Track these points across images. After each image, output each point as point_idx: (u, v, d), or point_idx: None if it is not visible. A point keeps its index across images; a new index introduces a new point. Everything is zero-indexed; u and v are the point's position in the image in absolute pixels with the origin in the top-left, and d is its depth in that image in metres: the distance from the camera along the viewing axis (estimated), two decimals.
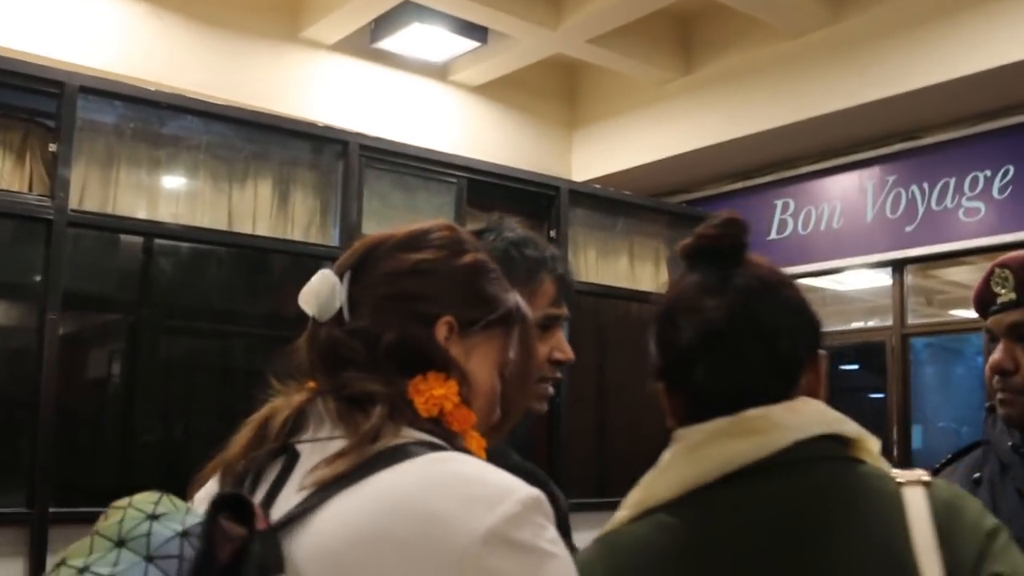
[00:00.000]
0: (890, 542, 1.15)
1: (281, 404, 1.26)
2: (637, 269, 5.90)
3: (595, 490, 5.43)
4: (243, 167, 4.79)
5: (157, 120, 4.61)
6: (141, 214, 4.47)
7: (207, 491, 1.25)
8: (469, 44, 7.93)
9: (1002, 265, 1.88)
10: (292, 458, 1.19)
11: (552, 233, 5.83)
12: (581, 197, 5.78)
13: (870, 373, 8.59)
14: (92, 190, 4.42)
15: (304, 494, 1.13)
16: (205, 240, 4.65)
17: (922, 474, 1.23)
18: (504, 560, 1.02)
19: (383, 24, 7.78)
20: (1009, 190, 7.19)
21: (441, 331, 1.29)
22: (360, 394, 1.22)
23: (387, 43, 7.95)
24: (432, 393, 1.23)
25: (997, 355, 1.86)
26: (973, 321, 7.67)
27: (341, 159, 4.84)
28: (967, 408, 8.09)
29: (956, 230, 7.48)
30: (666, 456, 1.27)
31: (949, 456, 2.02)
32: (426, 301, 1.29)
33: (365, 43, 7.99)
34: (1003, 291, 1.83)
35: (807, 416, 1.23)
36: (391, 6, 7.39)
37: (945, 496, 1.20)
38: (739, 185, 9.03)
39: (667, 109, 8.61)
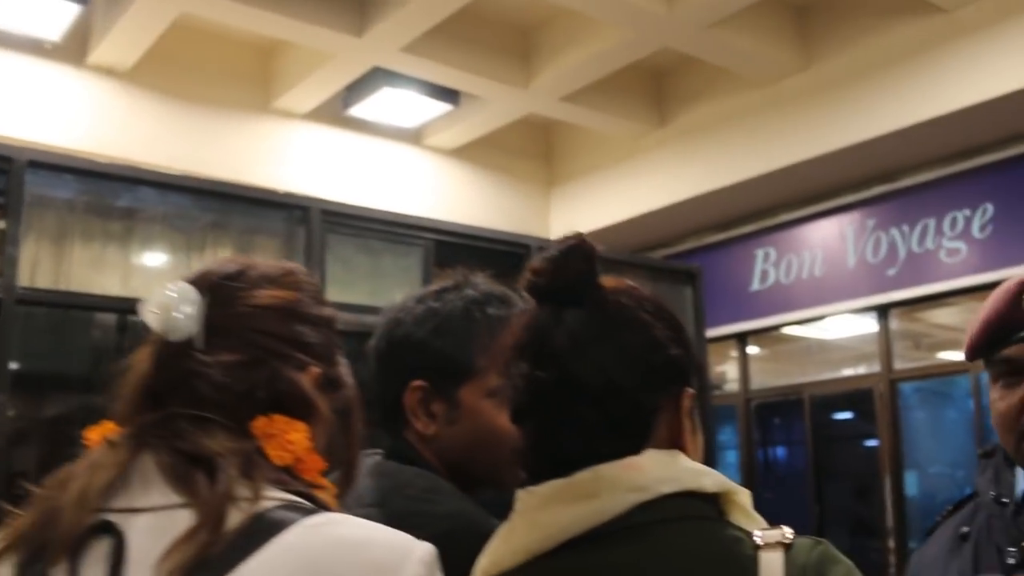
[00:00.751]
0: None
1: (98, 458, 1.07)
2: None
3: None
4: (201, 237, 4.64)
5: (111, 193, 4.47)
6: (96, 289, 4.31)
7: None
8: (441, 107, 7.89)
9: None
10: (118, 539, 1.00)
11: (523, 292, 5.71)
12: None
13: (860, 421, 8.46)
14: (44, 267, 4.27)
15: None
16: None
17: (785, 534, 1.06)
18: None
19: (354, 91, 7.74)
20: (989, 228, 7.13)
21: (309, 381, 1.16)
22: (203, 447, 1.05)
23: (359, 110, 7.90)
24: (286, 438, 1.09)
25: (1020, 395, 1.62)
26: (961, 364, 7.60)
27: (302, 225, 4.69)
28: (960, 452, 7.93)
29: (938, 271, 7.40)
30: (509, 521, 1.15)
31: (949, 508, 1.82)
32: (303, 347, 1.16)
33: (338, 110, 7.94)
34: None
35: (650, 474, 1.09)
36: (361, 73, 7.34)
37: (803, 562, 1.04)
38: (719, 237, 8.96)
39: (643, 163, 8.56)
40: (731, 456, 9.10)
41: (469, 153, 8.69)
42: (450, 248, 5.11)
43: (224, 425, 1.07)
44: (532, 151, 9.20)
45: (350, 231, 4.80)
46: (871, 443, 8.18)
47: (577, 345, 1.14)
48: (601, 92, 7.86)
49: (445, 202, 8.10)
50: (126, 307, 4.36)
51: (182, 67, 7.32)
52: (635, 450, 1.12)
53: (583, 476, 1.09)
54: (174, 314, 1.10)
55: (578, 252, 1.16)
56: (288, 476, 1.08)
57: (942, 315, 8.17)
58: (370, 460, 1.58)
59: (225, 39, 7.54)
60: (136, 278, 4.52)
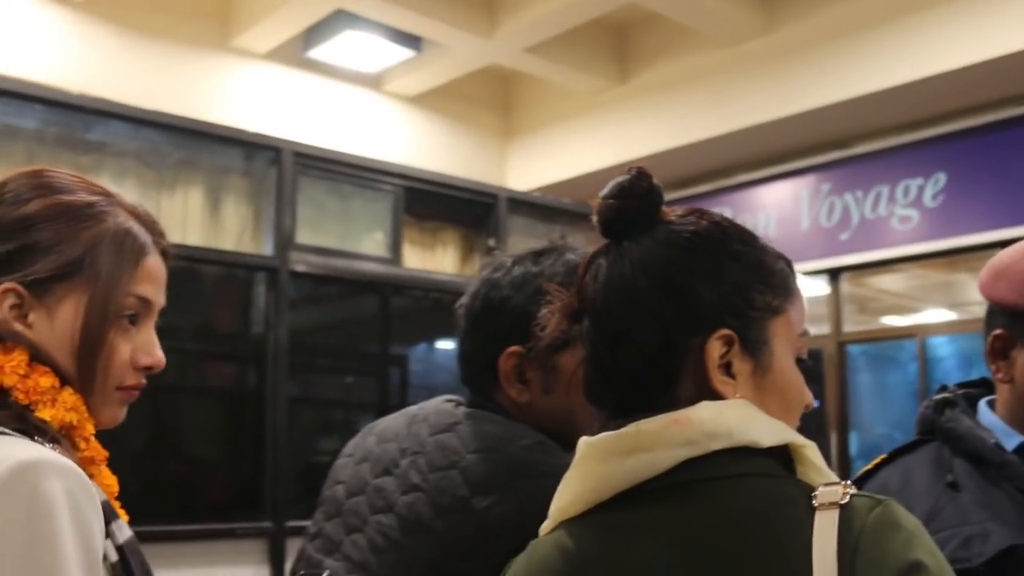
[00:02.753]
0: None
1: None
2: None
3: None
4: (172, 174, 4.65)
5: (82, 126, 4.45)
6: None
7: None
8: (403, 53, 7.84)
9: None
10: None
11: (491, 241, 5.75)
12: (520, 205, 5.71)
13: (807, 382, 8.61)
14: None
15: None
16: None
17: (845, 492, 1.00)
18: None
19: (315, 33, 7.66)
20: (941, 198, 7.26)
21: (4, 301, 1.19)
22: None
23: (319, 52, 7.83)
24: None
25: None
26: (908, 328, 7.80)
27: (274, 166, 4.72)
28: (902, 414, 8.14)
29: (890, 238, 7.53)
30: (572, 464, 1.15)
31: (886, 456, 1.85)
32: None
33: (298, 52, 7.86)
34: None
35: (699, 428, 1.05)
36: (323, 15, 7.29)
37: (860, 525, 0.96)
38: (676, 195, 9.01)
39: (602, 119, 8.58)
40: None
41: (429, 100, 8.66)
42: (419, 195, 5.17)
43: None
44: (492, 101, 9.19)
45: (321, 174, 4.83)
46: (816, 404, 8.36)
47: (632, 279, 1.12)
48: (564, 45, 7.86)
49: (404, 148, 8.08)
50: None
51: None
52: (661, 390, 1.11)
53: (628, 431, 1.07)
54: None
55: (635, 191, 1.14)
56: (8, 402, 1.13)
57: (889, 281, 8.33)
58: (458, 409, 1.58)
59: None
60: None
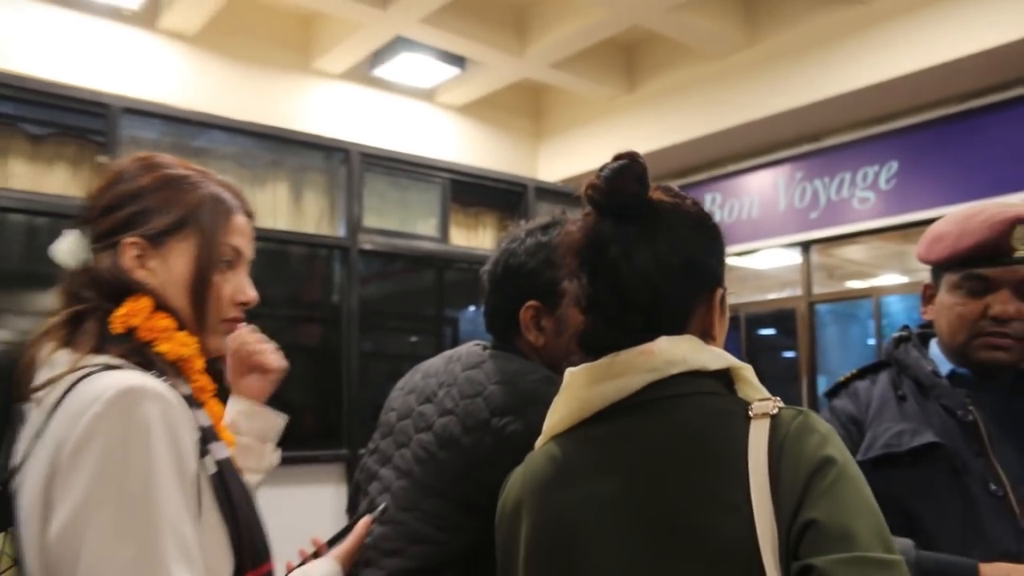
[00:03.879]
0: (730, 485, 0.95)
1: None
2: None
3: None
4: (263, 173, 4.68)
5: (190, 135, 4.49)
6: None
7: None
8: (451, 71, 7.83)
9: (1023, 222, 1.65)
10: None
11: (522, 223, 5.75)
12: (545, 193, 5.71)
13: (783, 335, 8.59)
14: None
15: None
16: None
17: (775, 405, 1.01)
18: None
19: (379, 56, 7.67)
20: (894, 182, 7.20)
21: (129, 252, 1.21)
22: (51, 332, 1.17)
23: (383, 71, 7.83)
24: (118, 314, 1.16)
25: (1005, 306, 1.65)
26: (866, 290, 7.73)
27: (344, 164, 4.73)
28: (862, 360, 8.03)
29: (851, 215, 7.48)
30: (558, 395, 1.17)
31: (854, 372, 1.89)
32: (114, 230, 1.22)
33: (365, 72, 7.87)
34: (1021, 246, 1.66)
35: (661, 357, 1.06)
36: (386, 41, 7.28)
37: (785, 430, 0.97)
38: (676, 183, 8.95)
39: (615, 122, 8.54)
40: None
41: (472, 110, 8.65)
42: (463, 186, 5.17)
43: (61, 316, 1.18)
44: (524, 109, 9.16)
45: (383, 170, 4.84)
46: (791, 354, 8.34)
47: (629, 261, 1.10)
48: (583, 61, 7.83)
49: (452, 149, 8.09)
50: None
51: (238, 33, 7.24)
52: (677, 329, 1.10)
53: (604, 361, 1.09)
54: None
55: (630, 172, 1.11)
56: (124, 341, 1.14)
57: (851, 251, 8.27)
58: (485, 351, 1.64)
59: (273, 9, 7.45)
60: None
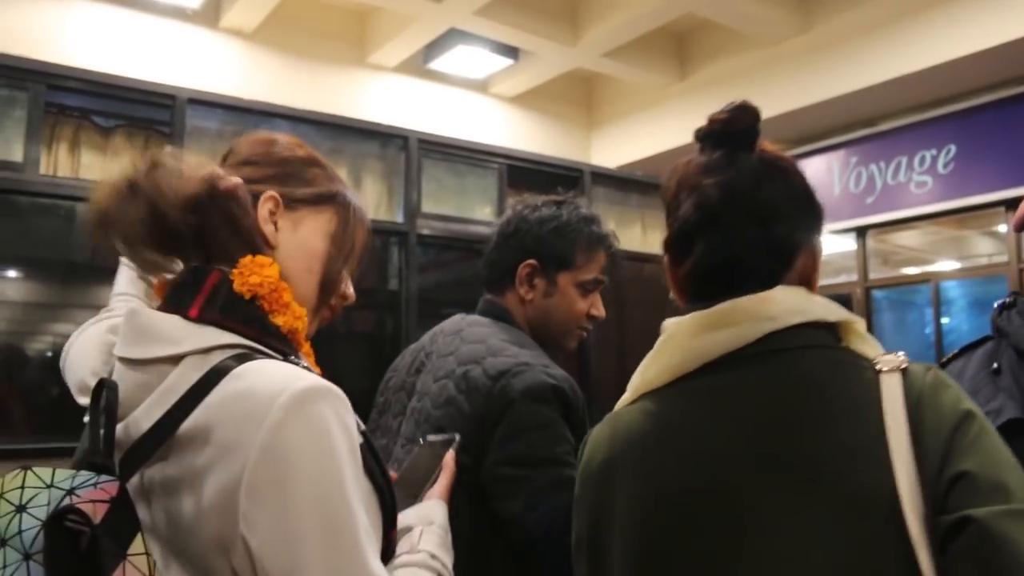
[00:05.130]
0: (864, 436, 0.91)
1: None
2: (648, 236, 5.76)
3: None
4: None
5: (252, 125, 4.52)
6: None
7: None
8: (504, 62, 7.82)
9: None
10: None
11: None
12: (601, 178, 5.65)
13: None
14: None
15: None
16: None
17: (901, 360, 0.96)
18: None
19: (433, 49, 7.68)
20: (952, 165, 7.04)
21: (267, 205, 1.10)
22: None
23: (437, 64, 7.85)
24: (246, 277, 1.05)
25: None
26: (924, 275, 7.56)
27: (403, 151, 4.73)
28: (920, 346, 7.92)
29: (908, 200, 7.33)
30: (657, 344, 1.08)
31: (957, 351, 1.80)
32: (254, 180, 1.10)
33: (419, 64, 7.89)
34: None
35: (781, 306, 1.01)
36: (439, 34, 7.30)
37: (920, 384, 0.93)
38: None
39: (667, 110, 8.47)
40: None
41: (526, 100, 8.63)
42: (518, 171, 5.14)
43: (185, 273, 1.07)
44: (577, 98, 9.12)
45: (441, 157, 4.83)
46: None
47: (754, 174, 1.07)
48: (634, 50, 7.76)
49: (506, 140, 8.08)
50: None
51: (295, 29, 7.31)
52: (781, 277, 1.05)
53: (724, 307, 1.02)
54: None
55: (748, 110, 1.10)
56: (248, 308, 1.04)
57: (905, 237, 8.11)
58: (465, 316, 1.82)
59: (328, 5, 7.51)
60: None
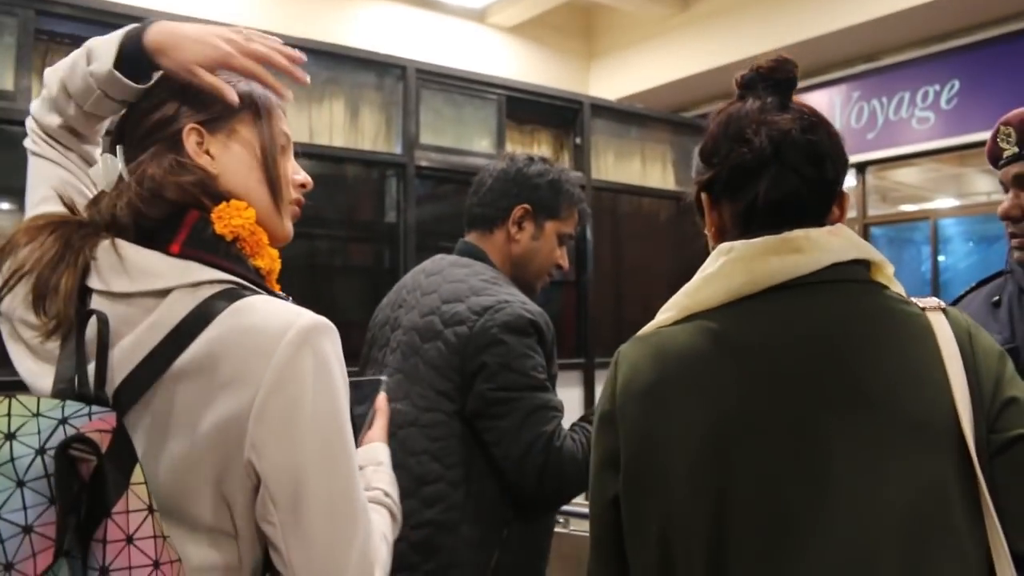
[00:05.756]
0: (924, 363, 1.01)
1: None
2: (648, 170, 5.71)
3: (612, 348, 5.32)
4: (320, 91, 4.61)
5: None
6: None
7: None
8: None
9: (1006, 123, 1.67)
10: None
11: (577, 140, 5.63)
12: (601, 110, 5.57)
13: None
14: None
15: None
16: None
17: (939, 302, 1.09)
18: None
19: None
20: (955, 101, 6.96)
21: (191, 139, 1.11)
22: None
23: None
24: (227, 219, 1.08)
25: (1006, 204, 1.66)
26: (923, 212, 7.54)
27: (401, 82, 4.65)
28: (917, 283, 7.93)
29: (910, 136, 7.27)
30: (711, 267, 1.10)
31: (973, 284, 1.84)
32: (162, 123, 1.11)
33: None
34: (1007, 146, 1.64)
35: (845, 240, 1.09)
36: None
37: (962, 322, 1.06)
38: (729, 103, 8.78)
39: (668, 41, 8.33)
40: None
41: (525, 29, 8.47)
42: (519, 103, 5.07)
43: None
44: (577, 29, 8.96)
45: (439, 87, 4.75)
46: None
47: (807, 125, 1.12)
48: None
49: (503, 71, 7.95)
50: None
51: None
52: (825, 217, 1.13)
53: (796, 234, 1.07)
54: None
55: (789, 60, 1.17)
56: (229, 248, 1.06)
57: (904, 174, 8.06)
58: (445, 257, 2.03)
59: None
60: None
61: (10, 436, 0.87)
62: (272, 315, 0.99)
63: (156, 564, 0.89)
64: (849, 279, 1.07)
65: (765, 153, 1.10)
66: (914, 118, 7.24)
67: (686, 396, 1.04)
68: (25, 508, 0.85)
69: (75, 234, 1.06)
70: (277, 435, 0.96)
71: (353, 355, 4.88)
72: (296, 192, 1.23)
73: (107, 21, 4.03)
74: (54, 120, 1.21)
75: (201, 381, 0.96)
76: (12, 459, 0.86)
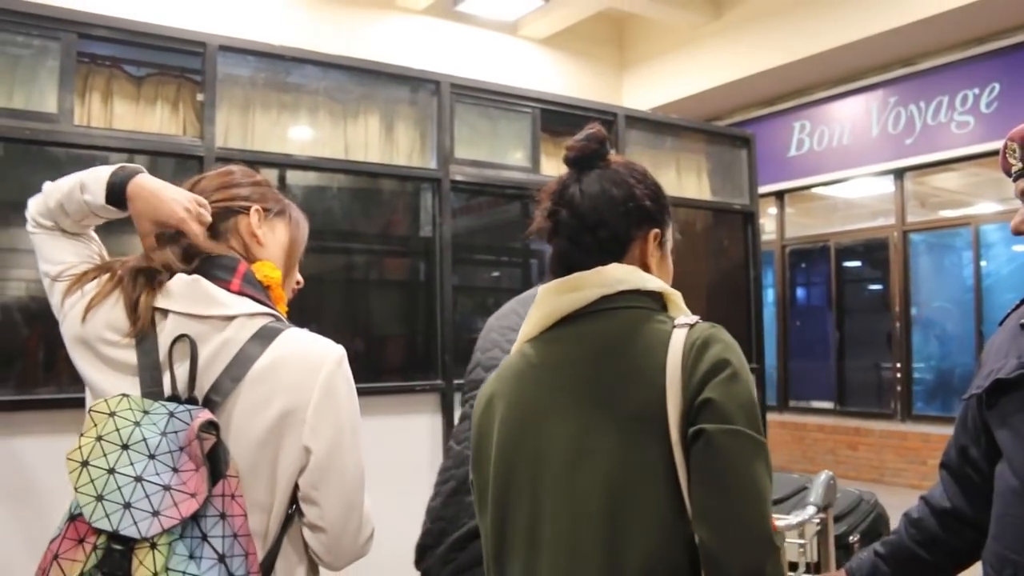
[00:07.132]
0: (651, 369, 1.25)
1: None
2: (683, 180, 5.67)
3: None
4: (355, 107, 4.63)
5: (284, 72, 4.47)
6: (274, 149, 4.36)
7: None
8: (534, 3, 7.68)
9: (1011, 139, 1.65)
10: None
11: (613, 152, 5.61)
12: (635, 121, 5.55)
13: (875, 265, 8.34)
14: (234, 131, 4.31)
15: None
16: (326, 168, 4.50)
17: (694, 320, 1.29)
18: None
19: None
20: (995, 104, 6.87)
21: (255, 216, 1.53)
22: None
23: (466, 6, 7.73)
24: (265, 271, 1.50)
25: (1016, 219, 1.62)
26: (964, 218, 7.43)
27: (435, 96, 4.66)
28: (958, 290, 7.82)
29: (949, 140, 7.18)
30: (533, 305, 1.42)
31: (1017, 303, 1.77)
32: (235, 199, 1.55)
33: (449, 7, 7.78)
34: (1015, 161, 1.62)
35: (610, 277, 1.34)
36: None
37: (697, 335, 1.25)
38: (763, 111, 8.74)
39: (701, 50, 8.31)
40: (770, 294, 9.06)
41: (556, 41, 8.49)
42: (552, 115, 5.06)
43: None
44: (608, 40, 8.96)
45: (473, 101, 4.76)
46: (882, 284, 8.11)
47: (584, 195, 1.38)
48: None
49: (536, 83, 7.97)
50: (292, 163, 4.42)
51: None
52: (617, 258, 1.37)
53: (572, 276, 1.36)
54: None
55: (594, 138, 1.40)
56: (263, 292, 1.46)
57: (944, 179, 7.96)
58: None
59: None
60: (304, 140, 4.56)
61: (136, 424, 1.26)
62: (315, 342, 1.43)
63: (245, 515, 1.29)
64: (619, 306, 1.33)
65: (549, 224, 1.42)
66: (953, 122, 7.15)
67: (501, 401, 1.41)
68: (158, 474, 1.24)
69: (141, 270, 1.42)
70: (327, 423, 1.38)
71: (397, 370, 4.85)
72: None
73: (146, 43, 4.09)
74: (51, 225, 1.52)
75: (268, 384, 1.35)
76: (145, 439, 1.26)
